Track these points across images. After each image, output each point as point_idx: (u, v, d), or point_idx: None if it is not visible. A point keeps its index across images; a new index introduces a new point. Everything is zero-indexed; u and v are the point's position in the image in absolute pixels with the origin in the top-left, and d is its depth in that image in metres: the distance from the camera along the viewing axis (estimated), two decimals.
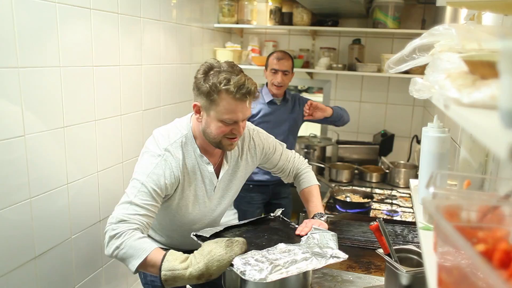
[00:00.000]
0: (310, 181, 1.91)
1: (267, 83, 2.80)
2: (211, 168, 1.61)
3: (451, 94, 0.72)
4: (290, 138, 2.78)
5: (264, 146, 1.81)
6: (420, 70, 2.66)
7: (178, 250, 1.47)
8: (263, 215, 1.83)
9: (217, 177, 1.64)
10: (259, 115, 2.77)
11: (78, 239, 2.01)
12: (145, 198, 1.44)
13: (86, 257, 2.09)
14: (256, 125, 2.49)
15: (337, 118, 2.72)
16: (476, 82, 0.71)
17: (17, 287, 1.69)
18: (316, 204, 1.82)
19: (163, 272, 1.31)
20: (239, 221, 2.88)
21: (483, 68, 0.71)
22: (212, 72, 1.46)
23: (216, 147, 1.56)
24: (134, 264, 1.35)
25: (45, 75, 1.74)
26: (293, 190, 3.62)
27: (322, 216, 1.72)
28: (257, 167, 2.62)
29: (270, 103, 2.78)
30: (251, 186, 2.79)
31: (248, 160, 1.76)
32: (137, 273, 1.81)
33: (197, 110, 1.53)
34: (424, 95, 1.03)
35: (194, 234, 1.54)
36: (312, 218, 1.74)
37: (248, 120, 2.53)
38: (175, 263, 1.32)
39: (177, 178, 1.52)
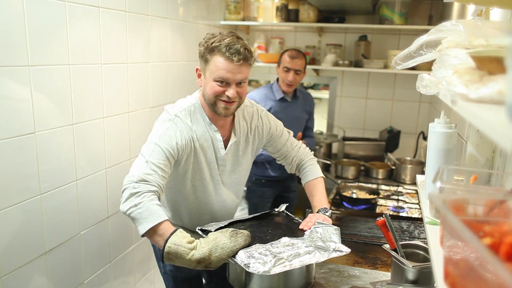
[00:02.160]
0: (314, 173, 1.91)
1: (277, 79, 2.82)
2: (219, 136, 1.67)
3: (459, 89, 0.73)
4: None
5: (271, 127, 1.86)
6: (427, 66, 2.65)
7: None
8: (267, 211, 1.85)
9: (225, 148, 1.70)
10: (270, 112, 2.81)
11: (87, 234, 2.04)
12: (159, 157, 1.50)
13: (95, 253, 2.12)
14: None
15: None
16: (483, 77, 0.72)
17: (28, 282, 1.72)
18: (321, 198, 1.83)
19: (168, 244, 1.34)
20: (249, 213, 2.91)
21: (490, 64, 0.72)
22: (211, 36, 1.58)
23: (213, 110, 1.61)
24: (146, 226, 1.38)
25: (55, 73, 1.76)
26: (300, 186, 3.65)
27: (327, 211, 1.73)
28: (267, 164, 2.61)
29: (281, 100, 2.81)
30: (263, 181, 2.87)
31: (256, 137, 1.82)
32: (158, 263, 1.89)
33: (198, 74, 1.66)
34: (431, 91, 1.04)
35: (200, 228, 1.56)
36: (317, 212, 1.75)
37: None
38: (183, 240, 1.36)
39: (188, 142, 1.59)
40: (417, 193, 2.88)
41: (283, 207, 1.86)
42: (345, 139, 3.53)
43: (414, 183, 3.07)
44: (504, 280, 0.48)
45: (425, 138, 3.39)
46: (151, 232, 1.40)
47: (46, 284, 1.81)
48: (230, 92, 1.56)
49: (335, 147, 3.64)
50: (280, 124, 1.92)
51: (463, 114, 0.71)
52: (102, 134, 2.09)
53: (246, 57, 1.54)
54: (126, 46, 2.22)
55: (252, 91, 2.87)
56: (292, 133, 1.98)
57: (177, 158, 1.58)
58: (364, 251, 1.93)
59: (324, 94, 4.41)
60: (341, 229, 2.13)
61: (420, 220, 2.29)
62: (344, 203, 2.62)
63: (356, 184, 2.90)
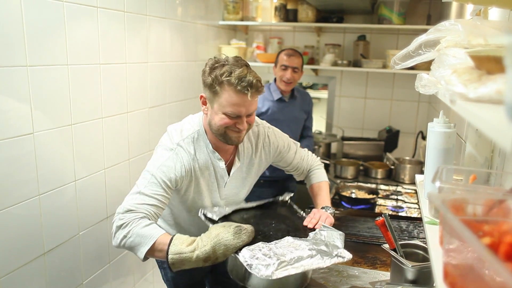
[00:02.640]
0: (320, 177, 1.93)
1: (275, 79, 2.81)
2: (222, 164, 1.61)
3: (457, 89, 0.73)
4: (298, 136, 2.84)
5: (279, 144, 1.81)
6: (426, 66, 2.65)
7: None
8: (271, 199, 1.84)
9: (228, 174, 1.66)
10: (268, 114, 2.78)
11: (86, 235, 2.03)
12: (154, 189, 1.46)
13: (94, 253, 2.11)
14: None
15: None
16: (482, 77, 0.72)
17: (27, 283, 1.71)
18: (324, 198, 1.83)
19: (170, 256, 1.33)
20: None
21: (489, 63, 0.72)
22: (217, 65, 1.48)
23: (222, 140, 1.55)
24: (142, 251, 1.37)
25: (53, 73, 1.76)
26: (299, 186, 3.63)
27: (329, 209, 1.73)
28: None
29: (279, 100, 2.79)
30: (261, 181, 2.79)
31: (262, 157, 1.77)
32: (160, 271, 1.86)
33: (203, 102, 1.57)
34: (430, 90, 1.04)
35: (203, 213, 1.56)
36: (321, 209, 1.75)
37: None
38: (181, 246, 1.34)
39: (188, 172, 1.54)
40: (416, 192, 2.88)
41: (287, 197, 1.84)
42: (344, 139, 3.53)
43: (413, 182, 3.07)
44: (503, 279, 0.48)
45: (424, 138, 3.39)
46: (150, 253, 1.38)
47: (44, 285, 1.80)
48: (242, 125, 1.50)
49: (334, 147, 3.64)
50: (286, 138, 1.87)
51: (462, 114, 0.71)
52: (101, 134, 2.08)
53: (258, 89, 1.47)
54: (124, 46, 2.21)
55: None
56: (298, 144, 1.95)
57: (175, 188, 1.55)
58: (363, 251, 1.93)
59: (323, 94, 4.42)
60: (340, 229, 2.14)
61: (419, 220, 2.29)
62: (343, 203, 2.62)
63: (355, 184, 2.90)
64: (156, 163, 1.51)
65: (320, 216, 1.65)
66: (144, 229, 1.39)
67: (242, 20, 3.58)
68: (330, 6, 3.28)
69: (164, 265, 1.76)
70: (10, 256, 1.63)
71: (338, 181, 3.05)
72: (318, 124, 4.09)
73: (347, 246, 1.47)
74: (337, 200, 2.68)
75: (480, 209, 0.76)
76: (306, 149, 2.00)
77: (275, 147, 1.79)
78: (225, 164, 1.64)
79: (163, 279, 1.88)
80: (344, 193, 2.71)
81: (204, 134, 1.60)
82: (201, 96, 1.56)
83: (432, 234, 0.95)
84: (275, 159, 1.84)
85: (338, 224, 2.23)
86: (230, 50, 3.52)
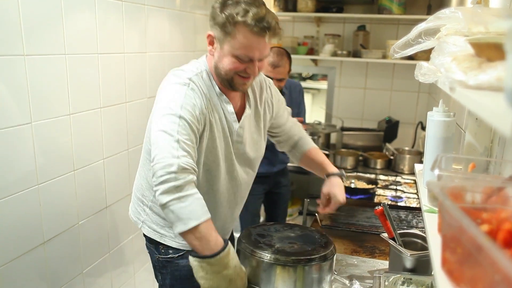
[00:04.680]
0: (312, 143, 1.86)
1: None
2: (231, 108, 1.47)
3: (457, 76, 0.73)
4: None
5: (279, 99, 1.71)
6: (426, 57, 2.64)
7: None
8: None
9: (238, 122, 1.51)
10: None
11: (85, 225, 2.04)
12: (188, 133, 1.29)
13: (93, 243, 2.12)
14: None
15: None
16: (482, 64, 0.71)
17: (27, 271, 1.72)
18: (328, 162, 1.78)
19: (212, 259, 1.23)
20: (240, 211, 2.80)
21: (489, 51, 0.72)
22: (230, 2, 1.32)
23: (227, 85, 1.42)
24: (189, 225, 1.21)
25: (51, 63, 1.75)
26: (293, 178, 3.63)
27: (340, 173, 1.71)
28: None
29: None
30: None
31: (266, 111, 1.64)
32: (156, 273, 1.67)
33: (211, 41, 1.40)
34: (430, 79, 1.03)
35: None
36: (331, 176, 1.72)
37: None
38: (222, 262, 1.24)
39: (205, 111, 1.38)
40: (415, 182, 2.89)
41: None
42: (343, 129, 3.53)
43: (412, 173, 3.08)
44: (501, 266, 0.49)
45: (423, 128, 3.39)
46: (191, 234, 1.23)
47: (45, 274, 1.81)
48: (254, 69, 1.36)
49: (333, 137, 3.64)
50: (281, 95, 1.75)
51: (462, 101, 0.71)
52: (100, 124, 2.08)
53: (275, 31, 1.33)
54: (122, 36, 2.20)
55: None
56: (289, 109, 1.85)
57: (200, 131, 1.37)
58: (362, 240, 1.94)
59: (323, 85, 4.40)
60: (339, 219, 2.15)
61: (418, 209, 2.29)
62: None
63: (354, 174, 2.90)
64: (177, 101, 1.31)
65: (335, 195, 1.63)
66: (199, 202, 1.25)
67: None
68: None
69: (163, 271, 1.61)
70: (10, 245, 1.63)
71: None
72: (318, 115, 4.08)
73: (346, 235, 1.48)
74: None
75: (479, 197, 0.77)
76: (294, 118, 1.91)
77: (276, 100, 1.68)
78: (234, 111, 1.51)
79: (158, 284, 1.69)
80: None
81: (211, 74, 1.45)
82: (209, 35, 1.39)
83: (431, 222, 0.96)
84: (273, 116, 1.71)
85: (337, 214, 2.24)
86: None
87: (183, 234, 1.23)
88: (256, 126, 1.60)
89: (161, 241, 1.57)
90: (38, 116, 1.70)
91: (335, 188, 1.66)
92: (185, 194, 1.22)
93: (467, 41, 0.78)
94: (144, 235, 1.64)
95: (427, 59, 1.07)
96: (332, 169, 1.75)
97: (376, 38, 3.54)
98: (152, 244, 1.60)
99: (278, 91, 1.75)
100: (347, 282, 1.47)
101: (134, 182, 1.69)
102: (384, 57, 3.33)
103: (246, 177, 1.62)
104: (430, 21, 1.01)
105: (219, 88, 1.45)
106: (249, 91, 1.57)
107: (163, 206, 1.24)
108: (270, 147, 2.38)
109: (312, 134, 3.35)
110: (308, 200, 2.06)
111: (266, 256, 1.29)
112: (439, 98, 2.82)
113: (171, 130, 1.27)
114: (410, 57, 3.21)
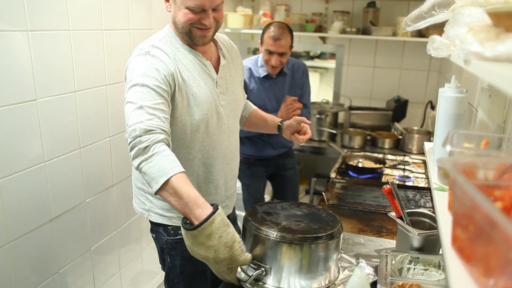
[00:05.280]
0: (252, 106, 1.94)
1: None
2: (206, 61, 1.51)
3: (473, 48, 0.69)
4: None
5: (243, 66, 1.78)
6: (437, 33, 2.58)
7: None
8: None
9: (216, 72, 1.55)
10: (253, 92, 2.47)
11: (92, 202, 2.05)
12: (152, 98, 1.31)
13: (101, 220, 2.13)
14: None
15: None
16: (500, 35, 0.68)
17: (35, 247, 1.74)
18: (271, 115, 1.91)
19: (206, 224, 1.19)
20: (242, 194, 2.77)
21: (508, 20, 0.68)
22: None
23: (188, 40, 1.45)
24: (159, 183, 1.23)
25: (55, 39, 1.72)
26: (299, 157, 3.59)
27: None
28: (246, 140, 2.44)
29: (266, 78, 2.49)
30: (252, 160, 2.64)
31: (238, 70, 1.69)
32: (162, 259, 1.68)
33: None
34: (442, 53, 0.99)
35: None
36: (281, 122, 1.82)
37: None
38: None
39: (172, 72, 1.40)
40: (424, 163, 2.86)
41: None
42: (351, 108, 3.49)
43: (421, 152, 3.04)
44: None
45: (433, 108, 3.33)
46: (165, 191, 1.24)
47: (53, 250, 1.83)
48: (207, 20, 1.39)
49: (341, 117, 3.60)
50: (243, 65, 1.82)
51: (478, 73, 0.68)
52: (105, 101, 2.06)
53: None
54: (128, 12, 2.16)
55: None
56: None
57: (171, 93, 1.39)
58: (369, 220, 1.93)
59: (331, 64, 4.33)
60: (346, 198, 2.14)
61: (426, 189, 2.27)
62: (350, 172, 2.61)
63: (362, 153, 2.87)
64: (139, 71, 1.35)
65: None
66: (167, 158, 1.25)
67: None
68: None
69: (173, 252, 1.61)
70: (19, 221, 1.64)
71: (345, 150, 3.03)
72: (326, 94, 4.03)
73: (353, 214, 1.46)
74: (344, 169, 2.67)
75: (492, 174, 0.74)
76: None
77: (242, 67, 1.76)
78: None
79: (163, 268, 1.69)
80: (351, 163, 2.70)
81: (175, 37, 1.49)
82: None
83: (441, 200, 0.94)
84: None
85: (345, 193, 2.23)
86: (236, 18, 3.44)
87: (160, 194, 1.25)
88: (235, 76, 1.65)
89: (170, 224, 1.58)
90: (43, 93, 1.69)
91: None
92: (151, 153, 1.24)
93: (484, 11, 0.74)
94: (150, 222, 1.65)
95: (440, 36, 1.03)
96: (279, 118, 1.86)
97: (386, 14, 3.45)
98: (161, 227, 1.61)
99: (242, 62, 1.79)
100: (353, 260, 1.47)
101: (132, 174, 1.68)
102: (394, 34, 3.25)
103: (234, 129, 1.67)
104: None
105: (188, 45, 1.49)
106: (221, 45, 1.62)
107: (138, 170, 1.28)
108: None
109: (319, 113, 3.31)
110: (315, 179, 2.04)
111: (272, 234, 1.28)
112: (449, 76, 2.75)
113: (135, 99, 1.31)
114: (421, 34, 3.14)
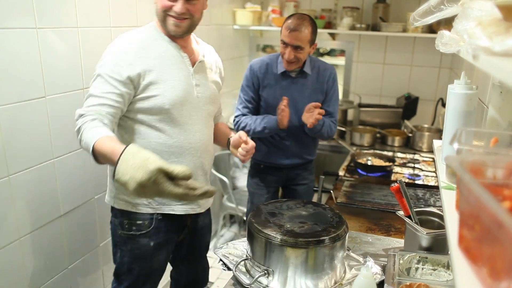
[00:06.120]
0: (220, 119, 1.93)
1: None
2: (184, 54, 1.57)
3: (482, 42, 0.67)
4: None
5: (222, 78, 1.82)
6: (448, 29, 2.53)
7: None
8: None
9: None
10: (266, 90, 2.25)
11: (101, 199, 2.05)
12: (102, 87, 1.41)
13: (109, 217, 2.14)
14: (264, 104, 2.27)
15: (316, 130, 2.22)
16: (510, 29, 0.66)
17: (45, 243, 1.75)
18: (226, 131, 1.86)
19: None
20: (247, 203, 2.55)
21: None
22: None
23: (165, 29, 1.52)
24: (90, 150, 1.30)
25: (63, 36, 1.73)
26: (317, 175, 3.58)
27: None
28: (259, 141, 2.30)
29: (283, 75, 2.23)
30: (262, 166, 2.41)
31: (218, 75, 1.76)
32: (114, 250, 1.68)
33: None
34: (451, 49, 0.98)
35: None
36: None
37: (254, 94, 2.26)
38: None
39: (139, 61, 1.46)
40: (434, 161, 2.82)
41: None
42: (361, 105, 3.45)
43: (431, 151, 3.01)
44: None
45: (444, 105, 3.29)
46: (101, 155, 1.28)
47: (62, 246, 1.85)
48: (178, 7, 1.44)
49: (350, 114, 3.57)
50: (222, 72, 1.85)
51: (486, 68, 0.66)
52: None
53: None
54: (136, 9, 2.16)
55: (254, 59, 2.35)
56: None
57: (134, 85, 1.45)
58: (377, 218, 1.91)
59: (341, 61, 4.30)
60: (355, 196, 2.12)
61: (436, 188, 2.24)
62: (359, 170, 2.59)
63: (371, 151, 2.85)
64: (101, 62, 1.47)
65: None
66: (92, 130, 1.32)
67: None
68: None
69: (124, 247, 1.62)
70: (29, 217, 1.66)
71: (354, 148, 3.00)
72: None
73: (361, 213, 1.45)
74: (353, 167, 2.65)
75: (501, 172, 0.72)
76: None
77: (222, 75, 1.81)
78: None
79: (114, 261, 1.70)
80: (360, 160, 2.67)
81: (157, 28, 1.56)
82: None
83: (448, 199, 0.92)
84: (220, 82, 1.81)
85: (353, 191, 2.21)
86: (244, 14, 3.43)
87: (98, 161, 1.32)
88: (212, 81, 1.69)
89: (134, 211, 1.59)
90: (52, 90, 1.70)
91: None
92: (81, 132, 1.35)
93: (494, 4, 0.72)
94: (112, 210, 1.66)
95: (450, 31, 1.01)
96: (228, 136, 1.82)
97: (396, 10, 3.41)
98: (117, 219, 1.63)
99: (222, 69, 1.83)
100: (361, 259, 1.45)
101: None
102: (405, 30, 3.21)
103: (208, 124, 1.69)
104: None
105: (168, 37, 1.55)
106: (204, 46, 1.72)
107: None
108: (284, 137, 2.27)
109: None
110: (324, 177, 2.03)
111: (275, 237, 1.26)
112: (461, 73, 2.71)
113: (90, 88, 1.44)
114: (432, 30, 3.09)
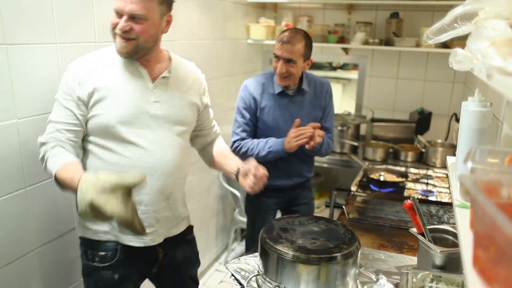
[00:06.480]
0: (223, 144, 1.85)
1: None
2: (143, 70, 1.50)
3: (495, 62, 0.68)
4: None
5: (207, 96, 1.74)
6: (462, 45, 2.52)
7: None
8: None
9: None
10: (265, 111, 2.18)
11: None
12: (60, 112, 1.43)
13: None
14: (263, 124, 2.19)
15: (315, 149, 2.17)
16: None
17: (59, 255, 1.77)
18: (235, 159, 1.73)
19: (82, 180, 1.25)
20: (247, 229, 2.46)
21: None
22: None
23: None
24: (53, 175, 1.36)
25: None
26: (320, 170, 3.56)
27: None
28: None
29: (281, 94, 2.18)
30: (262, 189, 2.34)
31: (195, 91, 1.65)
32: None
33: None
34: (465, 66, 0.97)
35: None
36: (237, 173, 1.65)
37: (252, 116, 2.17)
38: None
39: (90, 81, 1.43)
40: (447, 177, 2.79)
41: None
42: (373, 120, 3.44)
43: (444, 166, 2.97)
44: None
45: (457, 120, 3.26)
46: (62, 181, 1.34)
47: (75, 258, 1.85)
48: (120, 23, 1.37)
49: (363, 129, 3.56)
50: (206, 91, 1.75)
51: (500, 89, 0.66)
52: None
53: None
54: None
55: (249, 78, 2.28)
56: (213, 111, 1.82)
57: (86, 105, 1.43)
58: (390, 235, 1.89)
59: (354, 75, 4.31)
60: (367, 212, 2.10)
61: (450, 205, 2.21)
62: (371, 186, 2.57)
63: (384, 166, 2.83)
64: (59, 87, 1.47)
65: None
66: (53, 159, 1.37)
67: None
68: None
69: (88, 278, 1.58)
70: (44, 229, 1.67)
71: (367, 163, 2.99)
72: (348, 105, 4.00)
73: (374, 229, 1.44)
74: (365, 183, 2.63)
75: None
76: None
77: (204, 90, 1.72)
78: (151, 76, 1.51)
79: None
80: (372, 176, 2.66)
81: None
82: None
83: (462, 218, 0.91)
84: (203, 102, 1.70)
85: (365, 206, 2.19)
86: (258, 29, 3.47)
87: (63, 189, 1.37)
88: (183, 95, 1.59)
89: (96, 239, 1.53)
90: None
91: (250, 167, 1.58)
92: (45, 161, 1.39)
93: (508, 24, 0.73)
94: (79, 238, 1.60)
95: (463, 47, 1.01)
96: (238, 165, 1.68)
97: (409, 25, 3.41)
98: (82, 247, 1.58)
99: (206, 85, 1.73)
100: (373, 277, 1.44)
101: None
102: (418, 45, 3.21)
103: (173, 144, 1.54)
104: (468, 4, 0.94)
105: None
106: (179, 63, 1.63)
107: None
108: (285, 158, 2.19)
109: (341, 125, 3.29)
110: (336, 192, 2.02)
111: (287, 253, 1.26)
112: (475, 88, 2.69)
113: (50, 115, 1.46)
114: (445, 46, 3.08)
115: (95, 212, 1.19)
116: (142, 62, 1.50)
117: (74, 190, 1.26)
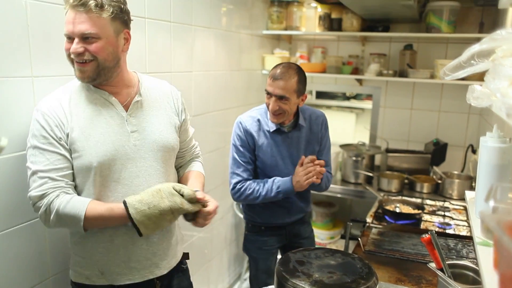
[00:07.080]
0: (201, 169, 1.77)
1: None
2: (114, 100, 1.43)
3: None
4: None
5: (186, 113, 1.68)
6: (477, 76, 2.52)
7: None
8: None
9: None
10: (263, 149, 2.12)
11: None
12: (42, 159, 1.32)
13: None
14: (261, 164, 2.14)
15: (315, 184, 2.13)
16: None
17: None
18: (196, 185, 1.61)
19: (131, 208, 1.32)
20: (250, 270, 2.37)
21: None
22: None
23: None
24: (81, 224, 1.32)
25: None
26: (335, 200, 3.53)
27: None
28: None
29: (276, 132, 2.11)
30: (262, 228, 2.26)
31: (168, 109, 1.59)
32: None
33: None
34: (483, 103, 0.98)
35: None
36: None
37: (251, 154, 2.11)
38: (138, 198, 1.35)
39: (63, 120, 1.36)
40: (465, 209, 2.74)
41: None
42: (388, 151, 3.43)
43: (462, 198, 2.93)
44: None
45: (474, 152, 3.23)
46: (95, 221, 1.34)
47: None
48: (72, 46, 1.30)
49: (377, 159, 3.55)
50: (186, 110, 1.69)
51: None
52: None
53: (85, 3, 1.26)
54: (170, 55, 2.27)
55: (242, 114, 2.22)
56: (193, 129, 1.77)
57: (65, 141, 1.35)
58: (407, 269, 1.85)
59: (367, 104, 4.32)
60: (383, 245, 2.07)
61: (468, 238, 2.17)
62: (387, 217, 2.54)
63: (399, 197, 2.80)
64: (30, 133, 1.36)
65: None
66: (70, 204, 1.31)
67: (286, 29, 3.58)
68: (376, 15, 3.21)
69: None
70: (59, 256, 1.68)
71: (382, 194, 2.96)
72: (362, 135, 4.00)
73: (390, 262, 1.41)
74: (380, 214, 2.60)
75: None
76: (196, 142, 1.81)
77: (182, 108, 1.65)
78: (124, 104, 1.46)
79: None
80: (387, 207, 2.63)
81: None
82: None
83: (485, 257, 0.89)
84: (180, 120, 1.64)
85: (381, 239, 2.16)
86: (273, 59, 3.53)
87: (88, 226, 1.34)
88: (160, 113, 1.55)
89: (89, 283, 1.47)
90: None
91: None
92: (53, 212, 1.31)
93: None
94: (71, 283, 1.52)
95: (479, 78, 1.02)
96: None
97: (423, 57, 3.44)
98: None
99: (183, 102, 1.67)
100: None
101: None
102: (432, 77, 3.22)
103: (157, 173, 1.49)
104: (484, 43, 0.96)
105: (94, 86, 1.42)
106: (149, 83, 1.58)
107: (55, 228, 1.39)
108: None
109: (356, 155, 3.28)
110: (351, 224, 1.99)
111: (303, 287, 1.25)
112: (491, 119, 2.67)
113: (30, 163, 1.34)
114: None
115: (173, 216, 1.37)
116: (109, 90, 1.43)
117: (119, 218, 1.34)
